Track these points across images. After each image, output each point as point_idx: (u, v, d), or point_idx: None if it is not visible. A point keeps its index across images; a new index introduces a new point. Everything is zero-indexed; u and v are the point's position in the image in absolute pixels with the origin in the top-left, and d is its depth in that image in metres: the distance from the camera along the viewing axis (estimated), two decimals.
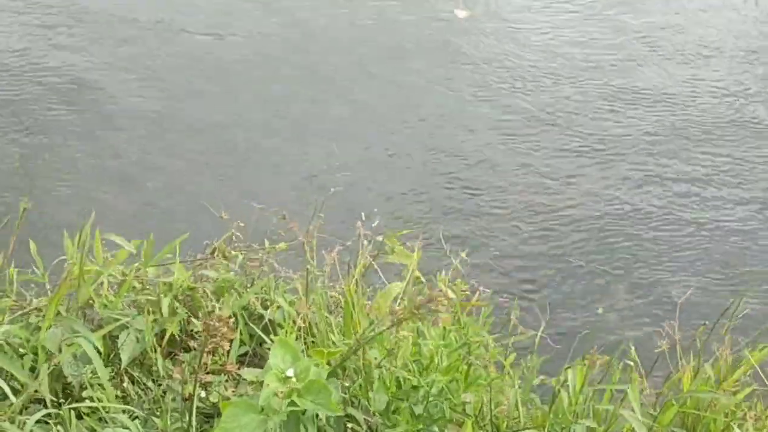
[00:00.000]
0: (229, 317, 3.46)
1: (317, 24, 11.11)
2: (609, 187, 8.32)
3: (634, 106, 9.72)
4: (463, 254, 4.54)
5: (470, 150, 8.83)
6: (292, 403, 3.32)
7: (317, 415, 3.53)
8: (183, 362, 4.18)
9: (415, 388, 3.74)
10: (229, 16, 11.10)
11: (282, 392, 3.30)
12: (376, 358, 3.78)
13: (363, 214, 4.48)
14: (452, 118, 9.43)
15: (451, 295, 3.48)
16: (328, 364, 3.75)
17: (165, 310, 4.38)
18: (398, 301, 4.06)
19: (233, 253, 4.63)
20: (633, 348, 4.06)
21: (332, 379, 3.74)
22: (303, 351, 4.09)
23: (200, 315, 4.45)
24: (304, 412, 3.46)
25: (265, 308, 4.50)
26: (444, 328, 3.88)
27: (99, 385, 3.99)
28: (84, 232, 4.27)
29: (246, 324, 4.52)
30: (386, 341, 3.84)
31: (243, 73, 10.09)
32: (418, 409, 3.71)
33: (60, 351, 4.05)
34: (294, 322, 4.27)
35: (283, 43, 10.70)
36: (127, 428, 3.70)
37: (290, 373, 3.33)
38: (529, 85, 10.01)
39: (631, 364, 3.96)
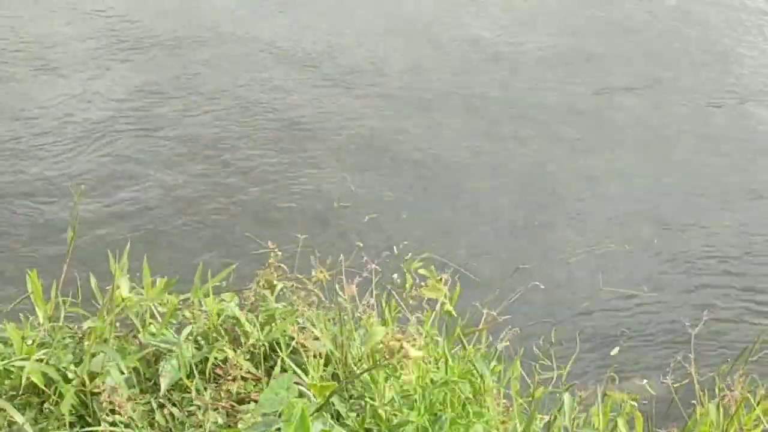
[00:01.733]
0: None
1: None
2: None
3: None
4: None
5: None
6: None
7: None
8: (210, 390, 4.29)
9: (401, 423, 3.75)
10: None
11: None
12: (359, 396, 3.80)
13: (395, 247, 4.51)
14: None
15: (413, 351, 3.46)
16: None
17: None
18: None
19: (275, 283, 4.71)
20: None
21: (320, 413, 3.79)
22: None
23: (243, 343, 4.54)
24: None
25: (305, 339, 4.54)
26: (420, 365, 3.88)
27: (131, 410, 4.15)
28: (122, 261, 4.42)
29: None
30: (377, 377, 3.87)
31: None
32: None
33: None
34: (320, 355, 4.32)
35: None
36: None
37: None
38: None
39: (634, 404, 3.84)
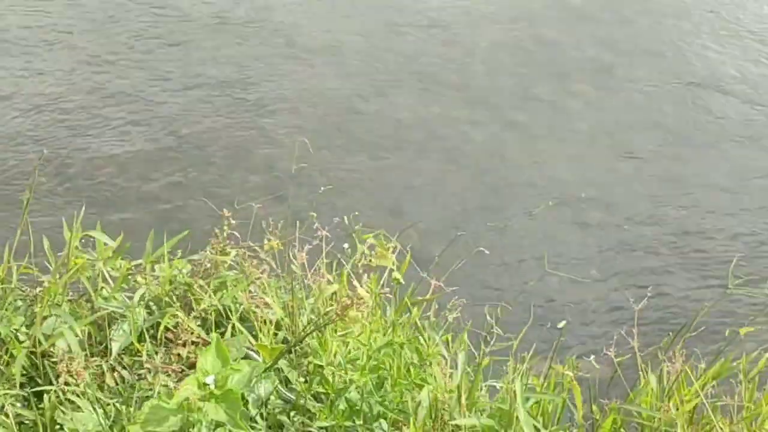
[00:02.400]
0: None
1: None
2: None
3: None
4: None
5: None
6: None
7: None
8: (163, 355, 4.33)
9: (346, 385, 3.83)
10: None
11: (196, 397, 3.42)
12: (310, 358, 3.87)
13: (346, 217, 4.57)
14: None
15: (363, 294, 3.53)
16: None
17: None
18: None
19: (229, 250, 4.76)
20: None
21: (269, 373, 3.85)
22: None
23: (195, 309, 4.59)
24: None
25: (257, 306, 4.60)
26: (368, 328, 3.95)
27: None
28: (77, 224, 4.45)
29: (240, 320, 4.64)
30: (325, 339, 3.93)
31: None
32: (356, 404, 3.79)
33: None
34: (270, 322, 4.38)
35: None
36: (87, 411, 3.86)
37: (210, 380, 3.44)
38: None
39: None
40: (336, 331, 3.99)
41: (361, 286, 3.87)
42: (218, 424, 3.54)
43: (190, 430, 3.44)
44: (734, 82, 10.26)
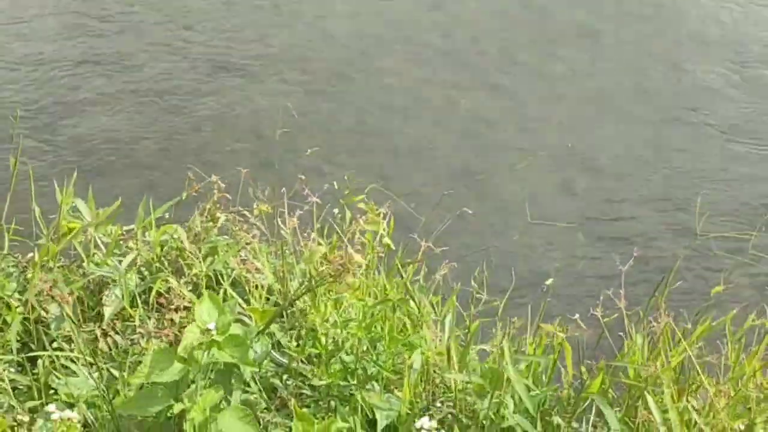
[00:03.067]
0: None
1: None
2: None
3: None
4: None
5: None
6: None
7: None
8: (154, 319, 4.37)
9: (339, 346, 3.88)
10: None
11: (202, 343, 3.45)
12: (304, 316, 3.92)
13: (336, 183, 4.61)
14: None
15: (358, 259, 3.57)
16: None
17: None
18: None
19: (219, 215, 4.79)
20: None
21: (263, 336, 3.89)
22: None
23: (186, 275, 4.62)
24: (236, 366, 3.62)
25: (249, 271, 4.63)
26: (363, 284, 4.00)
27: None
28: (68, 189, 4.48)
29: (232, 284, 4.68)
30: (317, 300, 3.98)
31: None
32: (350, 364, 3.84)
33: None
34: (262, 287, 4.42)
35: None
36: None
37: (211, 326, 3.47)
38: None
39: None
40: (329, 293, 4.03)
41: (355, 248, 3.90)
42: (218, 374, 3.60)
43: (191, 378, 3.48)
44: (720, 44, 10.29)
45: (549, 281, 5.49)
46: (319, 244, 4.37)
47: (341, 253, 3.65)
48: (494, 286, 4.89)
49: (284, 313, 4.26)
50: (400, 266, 4.41)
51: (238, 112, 8.74)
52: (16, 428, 3.60)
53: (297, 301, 4.16)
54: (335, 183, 4.83)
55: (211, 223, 4.78)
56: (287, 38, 10.02)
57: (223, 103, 8.84)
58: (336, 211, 4.65)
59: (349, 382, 3.92)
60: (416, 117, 8.85)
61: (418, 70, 9.63)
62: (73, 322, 4.30)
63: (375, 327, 4.01)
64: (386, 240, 4.42)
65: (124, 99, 8.84)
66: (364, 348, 3.94)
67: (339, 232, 4.44)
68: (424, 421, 3.45)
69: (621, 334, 4.40)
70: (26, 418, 3.69)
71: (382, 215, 4.36)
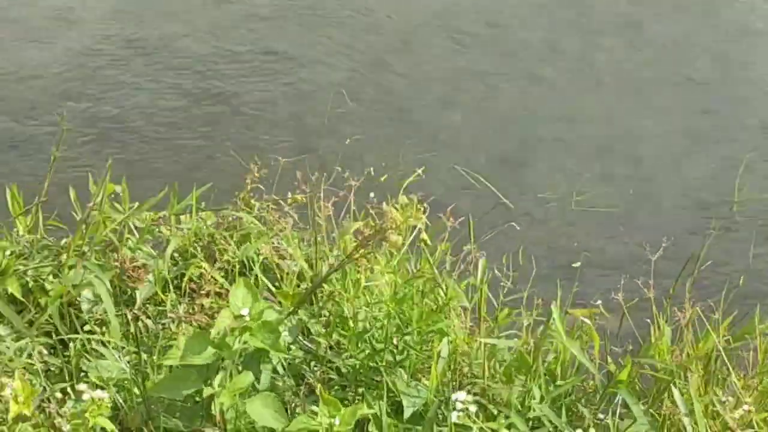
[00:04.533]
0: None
1: None
2: None
3: None
4: None
5: None
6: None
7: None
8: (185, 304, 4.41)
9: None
10: None
11: (235, 329, 3.49)
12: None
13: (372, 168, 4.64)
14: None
15: (397, 216, 3.58)
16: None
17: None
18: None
19: (253, 203, 4.83)
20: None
21: (291, 318, 3.92)
22: None
23: (219, 260, 4.66)
24: (266, 352, 3.66)
25: (281, 258, 4.66)
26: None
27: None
28: (104, 178, 4.53)
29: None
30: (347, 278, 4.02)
31: None
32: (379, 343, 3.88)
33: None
34: (293, 273, 4.45)
35: None
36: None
37: (245, 312, 3.50)
38: None
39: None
40: (359, 274, 4.07)
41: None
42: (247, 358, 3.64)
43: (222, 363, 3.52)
44: (765, 35, 10.18)
45: (577, 264, 5.47)
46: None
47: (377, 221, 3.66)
48: (527, 276, 4.90)
49: (313, 298, 4.29)
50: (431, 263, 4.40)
51: (281, 98, 8.77)
52: (45, 408, 3.65)
53: (326, 284, 4.18)
54: (372, 170, 4.85)
55: (244, 212, 4.83)
56: (331, 29, 10.03)
57: (266, 91, 8.87)
58: (372, 194, 4.64)
59: (377, 364, 3.94)
60: (456, 105, 8.84)
61: (459, 59, 9.62)
62: (125, 306, 4.39)
63: (404, 309, 4.03)
64: (424, 236, 4.41)
65: (166, 83, 8.90)
66: (394, 329, 3.95)
67: (373, 216, 4.44)
68: (460, 395, 3.48)
69: (647, 320, 4.38)
70: (58, 395, 3.73)
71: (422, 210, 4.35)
